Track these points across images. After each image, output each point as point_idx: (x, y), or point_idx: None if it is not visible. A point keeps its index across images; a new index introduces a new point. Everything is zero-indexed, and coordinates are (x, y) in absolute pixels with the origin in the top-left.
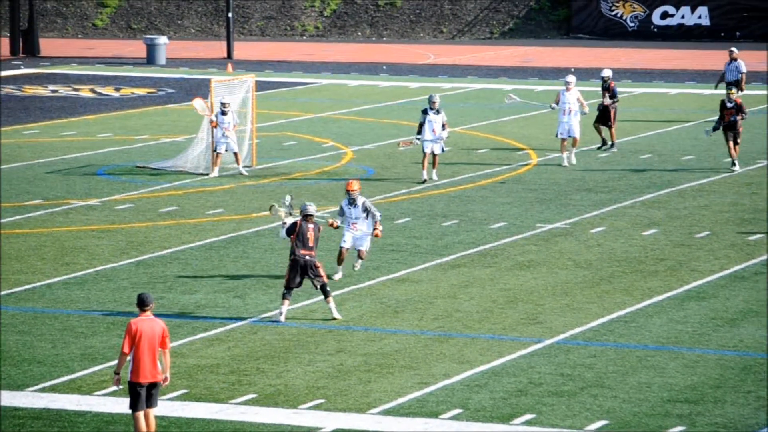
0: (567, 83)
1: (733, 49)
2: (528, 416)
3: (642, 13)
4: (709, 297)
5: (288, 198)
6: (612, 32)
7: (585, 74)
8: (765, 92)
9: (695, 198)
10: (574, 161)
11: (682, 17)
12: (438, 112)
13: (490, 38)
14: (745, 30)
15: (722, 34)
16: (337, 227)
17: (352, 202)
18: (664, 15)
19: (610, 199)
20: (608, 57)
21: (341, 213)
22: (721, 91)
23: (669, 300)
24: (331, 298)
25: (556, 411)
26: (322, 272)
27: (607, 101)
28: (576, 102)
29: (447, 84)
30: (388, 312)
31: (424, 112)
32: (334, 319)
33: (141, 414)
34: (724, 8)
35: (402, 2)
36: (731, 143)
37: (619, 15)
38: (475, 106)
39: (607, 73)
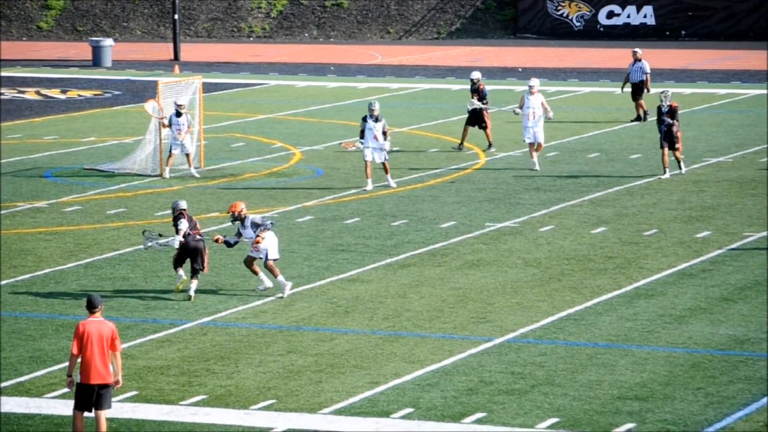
0: (530, 87)
1: (637, 49)
2: (479, 415)
3: (588, 13)
4: (657, 294)
5: (151, 239)
6: (558, 32)
7: (532, 74)
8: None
9: (643, 196)
10: (537, 168)
11: (628, 17)
12: (377, 119)
13: (438, 38)
14: (690, 29)
15: (667, 33)
16: (222, 242)
17: (242, 222)
18: (610, 14)
19: (559, 198)
20: (555, 56)
21: (239, 235)
22: (630, 89)
23: (618, 298)
24: (196, 280)
25: (507, 409)
26: (206, 260)
27: (476, 104)
28: (540, 107)
29: (395, 84)
30: (339, 312)
31: (364, 119)
32: (190, 298)
33: (80, 414)
34: (669, 8)
35: (349, 3)
36: (666, 150)
37: (565, 15)
38: (423, 106)
39: (476, 75)
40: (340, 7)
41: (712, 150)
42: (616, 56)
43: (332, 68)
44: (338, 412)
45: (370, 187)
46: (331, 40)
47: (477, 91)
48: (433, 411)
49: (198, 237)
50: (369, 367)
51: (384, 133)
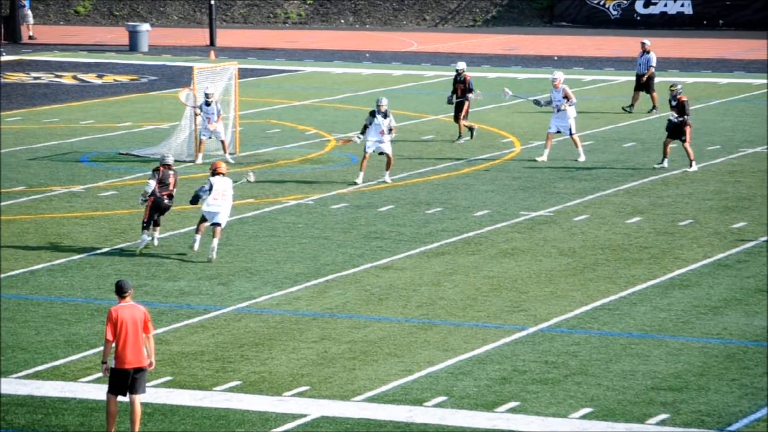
0: (554, 80)
1: (645, 41)
2: (512, 404)
3: (625, 2)
4: (692, 285)
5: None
6: (595, 20)
7: (568, 62)
8: (762, 81)
9: (678, 186)
10: (582, 158)
11: (665, 5)
12: (386, 115)
13: (473, 26)
14: (727, 18)
15: (705, 22)
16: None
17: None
18: (647, 3)
19: (594, 187)
20: (591, 45)
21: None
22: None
23: (653, 288)
24: (158, 228)
25: (541, 399)
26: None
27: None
28: (563, 100)
29: (430, 72)
30: (373, 299)
31: (372, 114)
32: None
33: (114, 398)
34: None
35: None
36: (669, 140)
37: (601, 3)
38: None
39: (461, 65)
40: None
41: (749, 140)
42: (654, 45)
43: (368, 55)
44: (371, 399)
45: (360, 180)
46: (367, 26)
47: (463, 82)
48: (466, 399)
49: (168, 198)
50: (402, 354)
51: (390, 130)
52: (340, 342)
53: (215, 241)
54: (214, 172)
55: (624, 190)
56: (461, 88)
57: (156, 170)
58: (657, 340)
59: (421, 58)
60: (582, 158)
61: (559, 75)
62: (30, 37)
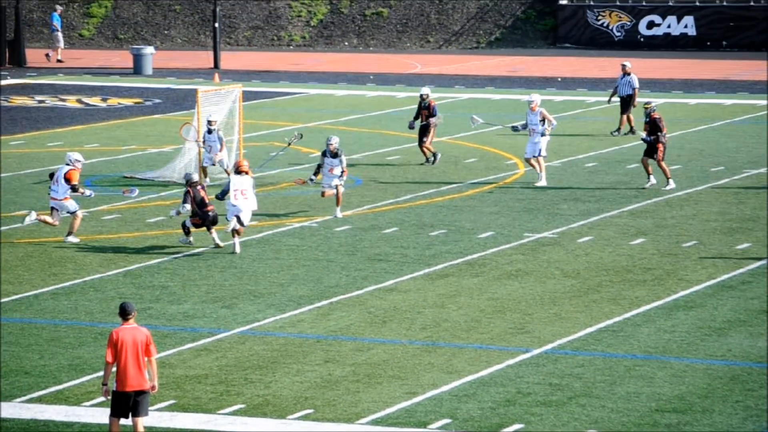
0: (530, 103)
1: (626, 63)
2: (516, 426)
3: (628, 23)
4: (696, 306)
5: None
6: (598, 42)
7: (572, 84)
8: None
9: (682, 207)
10: (542, 182)
11: (669, 27)
12: (336, 155)
13: (477, 48)
14: (731, 39)
15: (708, 43)
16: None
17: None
18: (651, 25)
19: (598, 209)
20: (594, 66)
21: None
22: (617, 101)
23: (657, 309)
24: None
25: (545, 421)
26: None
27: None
28: (539, 124)
29: (434, 94)
30: (376, 322)
31: (323, 154)
32: (218, 246)
33: (116, 421)
34: (710, 18)
35: (389, 12)
36: (646, 159)
37: (605, 25)
38: (462, 116)
39: (425, 90)
40: (380, 17)
41: (753, 161)
42: (656, 66)
43: (371, 77)
44: (375, 422)
45: (339, 214)
46: (371, 49)
47: (428, 108)
48: (470, 422)
49: (212, 212)
50: (406, 377)
51: (342, 173)
52: (344, 364)
53: (237, 239)
54: (237, 170)
55: (628, 211)
56: (426, 113)
57: (187, 193)
58: (661, 362)
59: (424, 80)
60: (542, 183)
61: (536, 98)
62: (58, 61)
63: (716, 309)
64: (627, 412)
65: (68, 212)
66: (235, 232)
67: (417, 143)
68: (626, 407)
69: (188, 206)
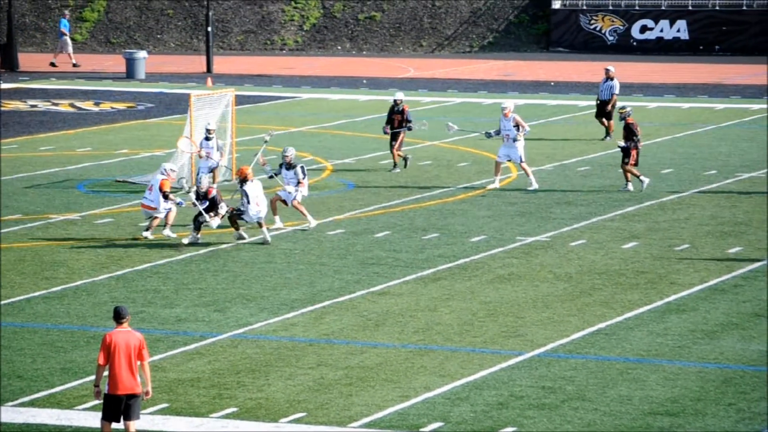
0: (503, 109)
1: (610, 67)
2: (509, 429)
3: (621, 27)
4: (689, 310)
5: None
6: (591, 46)
7: (565, 88)
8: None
9: (675, 211)
10: (534, 186)
11: (661, 31)
12: (290, 166)
13: (470, 52)
14: (723, 43)
15: (701, 47)
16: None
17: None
18: (643, 29)
19: (590, 212)
20: (587, 70)
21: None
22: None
23: (649, 313)
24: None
25: (537, 424)
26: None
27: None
28: (513, 129)
29: (427, 98)
30: (369, 325)
31: (280, 166)
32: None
33: (108, 425)
34: (703, 22)
35: (381, 16)
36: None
37: (598, 29)
38: (455, 120)
39: (399, 95)
40: (372, 21)
41: (745, 165)
42: (649, 71)
43: (365, 81)
44: (368, 425)
45: (313, 224)
46: (364, 53)
47: (401, 113)
48: (463, 425)
49: (234, 210)
50: (399, 380)
51: (298, 183)
52: (337, 368)
53: (264, 229)
54: (243, 180)
55: (620, 215)
56: (399, 118)
57: (198, 200)
58: (654, 365)
59: (418, 84)
60: (534, 186)
61: (509, 104)
62: (74, 65)
63: (708, 312)
64: (619, 415)
65: (164, 211)
66: (258, 224)
67: (389, 147)
68: (619, 410)
69: (225, 206)
